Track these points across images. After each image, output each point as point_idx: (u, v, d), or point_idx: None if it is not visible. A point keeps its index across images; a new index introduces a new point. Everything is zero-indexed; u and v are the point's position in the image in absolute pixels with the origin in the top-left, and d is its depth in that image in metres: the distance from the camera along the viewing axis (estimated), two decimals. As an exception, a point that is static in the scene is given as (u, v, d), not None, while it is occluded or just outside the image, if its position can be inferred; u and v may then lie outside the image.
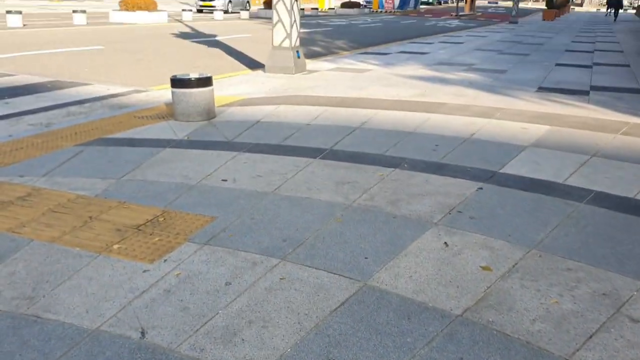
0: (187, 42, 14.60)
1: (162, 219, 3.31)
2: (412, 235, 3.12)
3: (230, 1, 31.18)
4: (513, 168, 4.31)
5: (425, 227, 3.24)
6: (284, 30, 8.75)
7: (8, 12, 16.75)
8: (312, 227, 3.20)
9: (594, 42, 16.97)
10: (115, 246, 2.97)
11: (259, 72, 9.24)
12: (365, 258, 2.85)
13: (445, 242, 3.06)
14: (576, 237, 3.16)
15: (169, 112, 6.11)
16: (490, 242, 3.08)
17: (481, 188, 3.87)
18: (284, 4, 8.65)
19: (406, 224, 3.27)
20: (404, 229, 3.20)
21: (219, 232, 3.13)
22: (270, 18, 27.15)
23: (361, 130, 5.35)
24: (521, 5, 32.59)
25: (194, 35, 16.61)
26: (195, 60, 11.24)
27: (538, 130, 5.41)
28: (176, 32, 17.39)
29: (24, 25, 16.91)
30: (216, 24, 22.56)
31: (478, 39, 17.19)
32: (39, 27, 17.12)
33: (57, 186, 3.81)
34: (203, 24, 21.46)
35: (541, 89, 7.92)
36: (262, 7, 31.59)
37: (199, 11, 30.12)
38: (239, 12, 28.29)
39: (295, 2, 8.71)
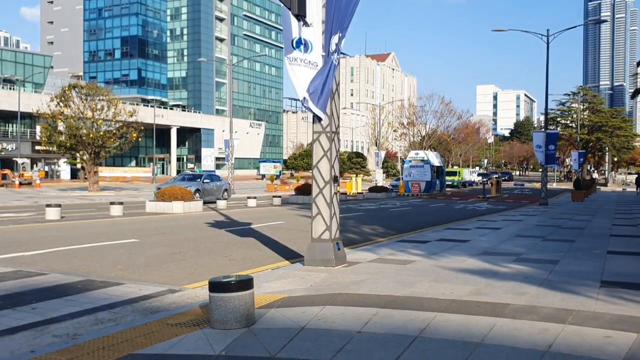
0: (222, 232, 14.55)
1: None
2: None
3: (199, 190, 26.41)
4: (617, 395, 3.58)
5: None
6: (324, 222, 8.51)
7: (48, 205, 17.25)
8: None
9: (636, 225, 16.51)
10: None
11: (298, 264, 8.85)
12: None
13: None
14: None
15: (205, 317, 5.59)
16: None
17: None
18: (324, 197, 8.52)
19: None
20: None
21: None
22: (303, 203, 27.88)
23: (422, 340, 4.72)
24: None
25: (229, 224, 16.67)
26: (231, 251, 10.99)
27: (626, 339, 4.71)
28: (211, 221, 17.54)
29: (62, 217, 17.28)
30: (249, 211, 22.95)
31: (515, 224, 16.90)
32: (76, 220, 17.45)
33: None
34: (237, 212, 21.80)
35: (605, 283, 7.29)
36: (293, 193, 32.43)
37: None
38: (215, 202, 25.30)
39: (335, 195, 8.59)
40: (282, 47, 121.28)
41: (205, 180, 27.84)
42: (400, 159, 70.16)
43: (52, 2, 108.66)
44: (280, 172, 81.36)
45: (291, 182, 54.80)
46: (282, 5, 8.18)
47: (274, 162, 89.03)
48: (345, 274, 7.94)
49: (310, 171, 9.91)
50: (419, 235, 13.40)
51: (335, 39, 8.20)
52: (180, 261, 9.81)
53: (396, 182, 50.39)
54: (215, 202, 25.23)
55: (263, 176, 79.72)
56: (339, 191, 8.94)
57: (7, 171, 55.24)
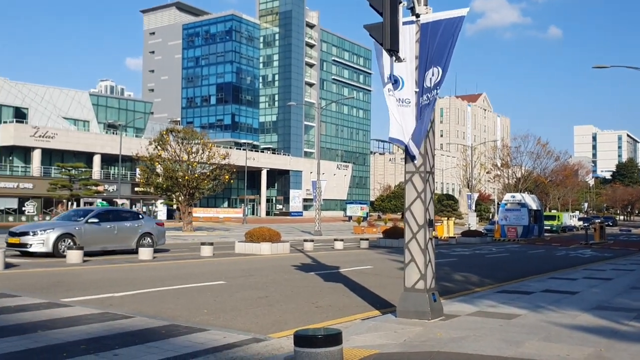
0: (309, 275, 14.16)
1: None
2: None
3: (70, 235, 17.31)
4: None
5: None
6: (418, 270, 7.88)
7: (141, 246, 17.63)
8: None
9: None
10: None
11: (389, 315, 8.22)
12: None
13: None
14: None
15: (290, 374, 5.12)
16: None
17: None
18: (417, 243, 7.91)
19: None
20: None
21: None
22: (391, 247, 27.07)
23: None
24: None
25: (316, 267, 16.27)
26: (317, 297, 10.52)
27: None
28: (298, 263, 17.22)
29: (154, 257, 17.58)
30: (336, 253, 22.48)
31: (627, 274, 15.34)
32: (168, 260, 17.70)
33: None
34: (323, 255, 21.41)
35: None
36: (381, 235, 31.69)
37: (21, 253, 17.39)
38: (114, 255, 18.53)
39: (430, 241, 7.96)
40: (369, 90, 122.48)
41: (91, 220, 18.14)
42: (497, 202, 67.53)
43: (153, 52, 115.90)
44: (367, 214, 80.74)
45: (379, 224, 53.96)
46: (374, 40, 7.85)
47: (360, 203, 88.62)
48: (442, 328, 7.24)
49: (402, 214, 9.37)
50: (521, 285, 12.35)
51: (430, 74, 7.73)
52: (266, 306, 9.45)
53: (491, 226, 48.42)
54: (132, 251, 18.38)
55: (350, 218, 79.34)
56: (434, 236, 8.30)
57: (108, 211, 58.13)
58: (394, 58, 7.69)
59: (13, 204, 55.15)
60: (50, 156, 61.30)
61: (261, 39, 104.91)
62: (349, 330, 7.16)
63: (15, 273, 13.07)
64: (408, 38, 8.00)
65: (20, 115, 59.98)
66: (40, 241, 16.90)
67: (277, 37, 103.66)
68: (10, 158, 60.04)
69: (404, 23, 7.89)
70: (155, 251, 18.93)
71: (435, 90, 7.69)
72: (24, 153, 60.38)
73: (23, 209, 55.48)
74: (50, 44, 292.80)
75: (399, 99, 7.83)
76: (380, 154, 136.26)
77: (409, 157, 7.98)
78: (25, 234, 17.19)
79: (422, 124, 7.66)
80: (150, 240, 19.66)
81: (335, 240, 26.12)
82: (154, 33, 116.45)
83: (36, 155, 59.72)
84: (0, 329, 6.85)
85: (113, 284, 11.65)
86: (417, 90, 7.86)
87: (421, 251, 7.87)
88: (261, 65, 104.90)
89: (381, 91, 8.08)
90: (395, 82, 7.82)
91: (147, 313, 8.36)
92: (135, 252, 18.37)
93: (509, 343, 6.34)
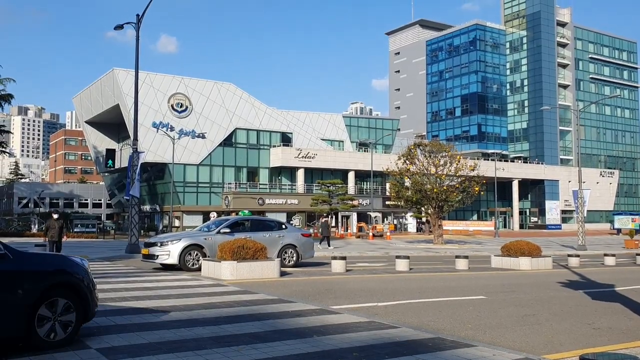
0: (577, 294, 12.87)
1: None
2: None
3: (197, 246, 16.60)
4: None
5: None
6: None
7: (397, 257, 18.02)
8: None
9: None
10: None
11: (690, 344, 6.96)
12: None
13: None
14: None
15: (576, 402, 4.57)
16: None
17: None
18: None
19: None
20: None
21: None
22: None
23: None
24: None
25: (585, 285, 14.76)
26: (593, 318, 9.46)
27: None
28: (563, 280, 15.83)
29: (410, 269, 17.80)
30: (607, 270, 20.20)
31: None
32: (423, 272, 17.77)
33: None
34: (592, 271, 19.38)
35: None
36: (661, 251, 27.59)
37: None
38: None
39: None
40: (636, 87, 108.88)
41: (223, 230, 17.06)
42: None
43: (398, 71, 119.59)
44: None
45: (656, 237, 47.14)
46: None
47: (631, 214, 78.76)
48: None
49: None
50: None
51: None
52: (534, 325, 8.79)
53: None
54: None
55: (618, 231, 71.07)
56: None
57: (362, 224, 61.41)
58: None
59: (282, 217, 61.45)
60: (311, 174, 67.06)
61: (507, 45, 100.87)
62: (640, 357, 6.21)
63: (288, 281, 14.36)
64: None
65: (286, 139, 66.77)
66: (166, 252, 16.24)
67: (524, 40, 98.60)
68: (279, 177, 67.12)
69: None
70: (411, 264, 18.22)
71: None
72: (290, 172, 67.02)
73: (291, 222, 61.50)
74: (307, 77, 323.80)
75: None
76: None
77: None
78: (153, 245, 16.63)
79: None
80: (293, 253, 18.14)
81: (605, 255, 23.47)
82: (398, 53, 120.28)
83: (300, 174, 65.88)
84: (283, 331, 7.49)
85: (374, 293, 12.03)
86: None
87: None
88: (508, 72, 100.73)
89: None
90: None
91: (411, 324, 8.39)
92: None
93: None
